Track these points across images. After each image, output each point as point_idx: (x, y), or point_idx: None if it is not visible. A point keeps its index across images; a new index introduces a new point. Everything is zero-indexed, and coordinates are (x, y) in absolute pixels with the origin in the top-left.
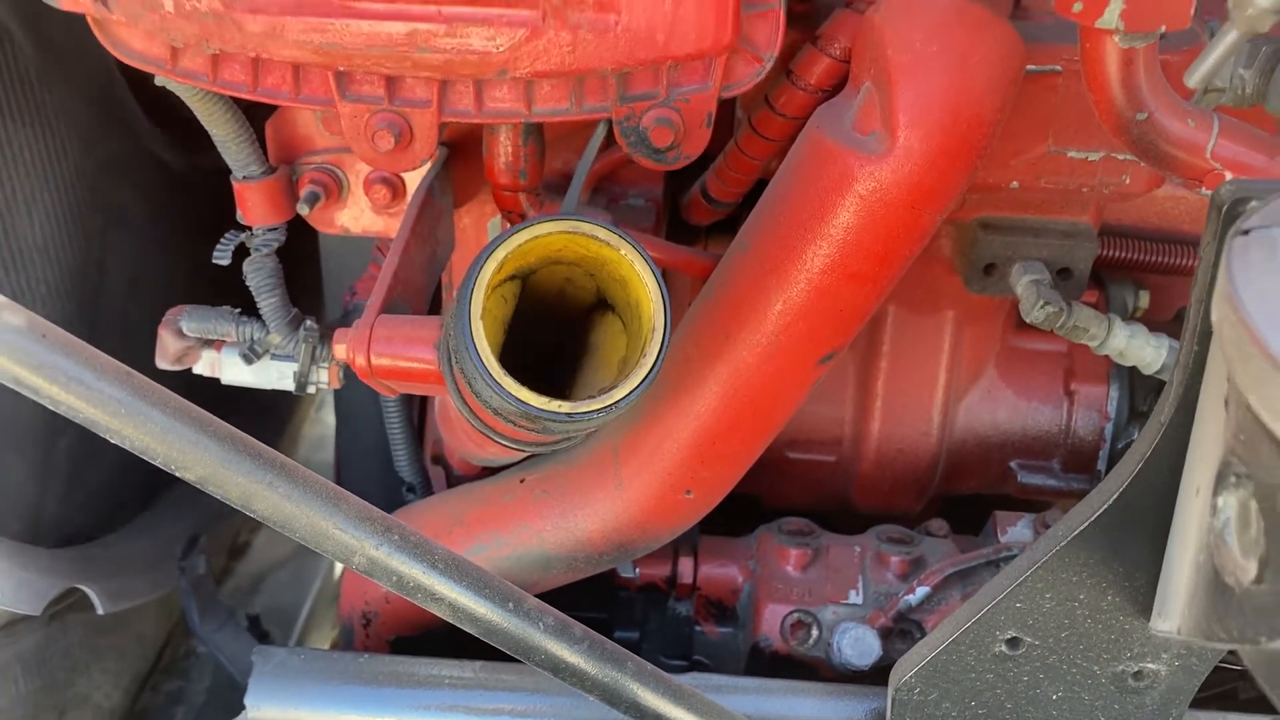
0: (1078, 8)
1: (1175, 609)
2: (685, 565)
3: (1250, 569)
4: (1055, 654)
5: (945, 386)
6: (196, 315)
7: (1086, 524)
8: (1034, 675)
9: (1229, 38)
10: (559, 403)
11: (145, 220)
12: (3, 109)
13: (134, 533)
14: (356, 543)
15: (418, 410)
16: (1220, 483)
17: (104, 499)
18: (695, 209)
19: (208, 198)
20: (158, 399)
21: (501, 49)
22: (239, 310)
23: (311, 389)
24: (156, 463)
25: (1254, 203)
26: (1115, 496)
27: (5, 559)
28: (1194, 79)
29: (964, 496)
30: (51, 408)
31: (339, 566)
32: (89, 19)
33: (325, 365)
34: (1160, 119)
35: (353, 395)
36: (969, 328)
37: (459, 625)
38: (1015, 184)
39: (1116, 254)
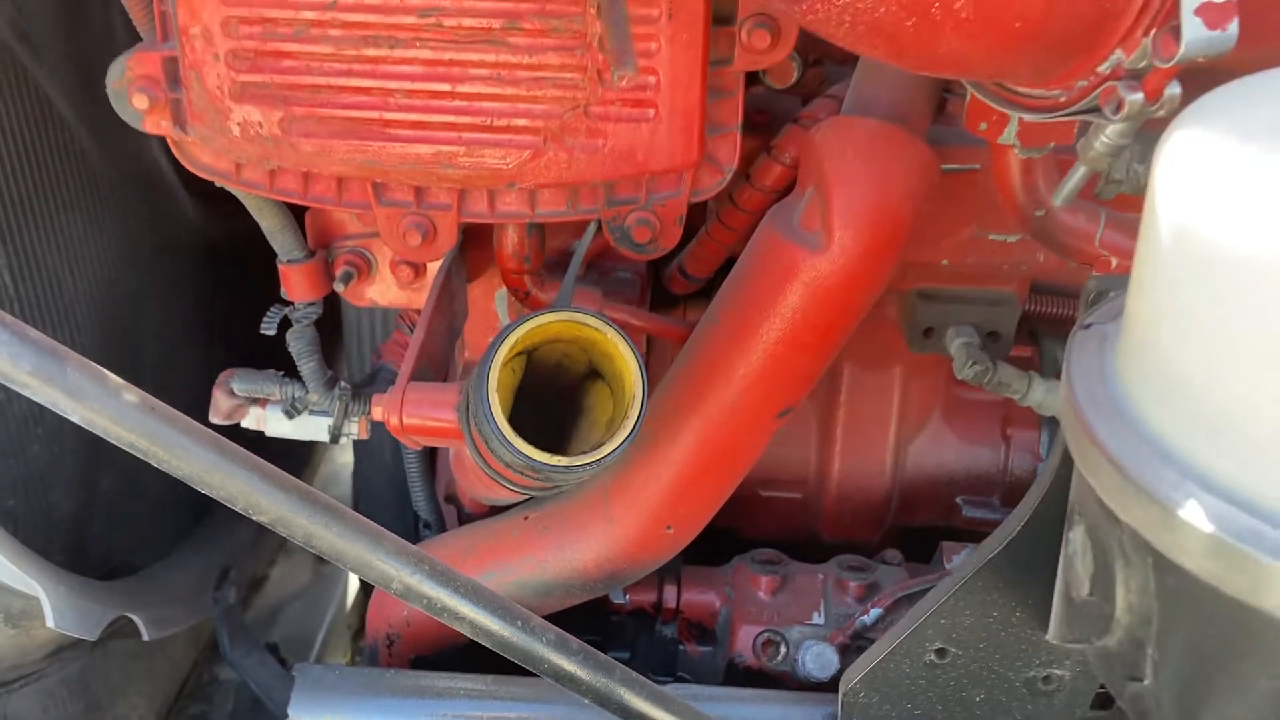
0: (983, 126)
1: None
2: (670, 592)
3: (1085, 586)
4: (976, 662)
5: (896, 432)
6: (245, 377)
7: (995, 553)
8: (959, 680)
9: (1079, 172)
10: (559, 457)
11: (180, 282)
12: (60, 182)
13: (170, 566)
14: (395, 572)
15: (431, 456)
16: (1069, 520)
17: (142, 534)
18: (675, 282)
19: (237, 262)
20: (241, 459)
21: (510, 166)
22: (282, 373)
23: (344, 440)
24: (236, 507)
25: (1113, 294)
26: (1018, 530)
27: (67, 589)
28: (1059, 199)
29: (916, 528)
30: (165, 469)
31: (349, 599)
32: (169, 140)
33: (356, 419)
34: (1056, 214)
35: (370, 444)
36: (915, 381)
37: (476, 639)
38: (946, 262)
39: (1045, 310)
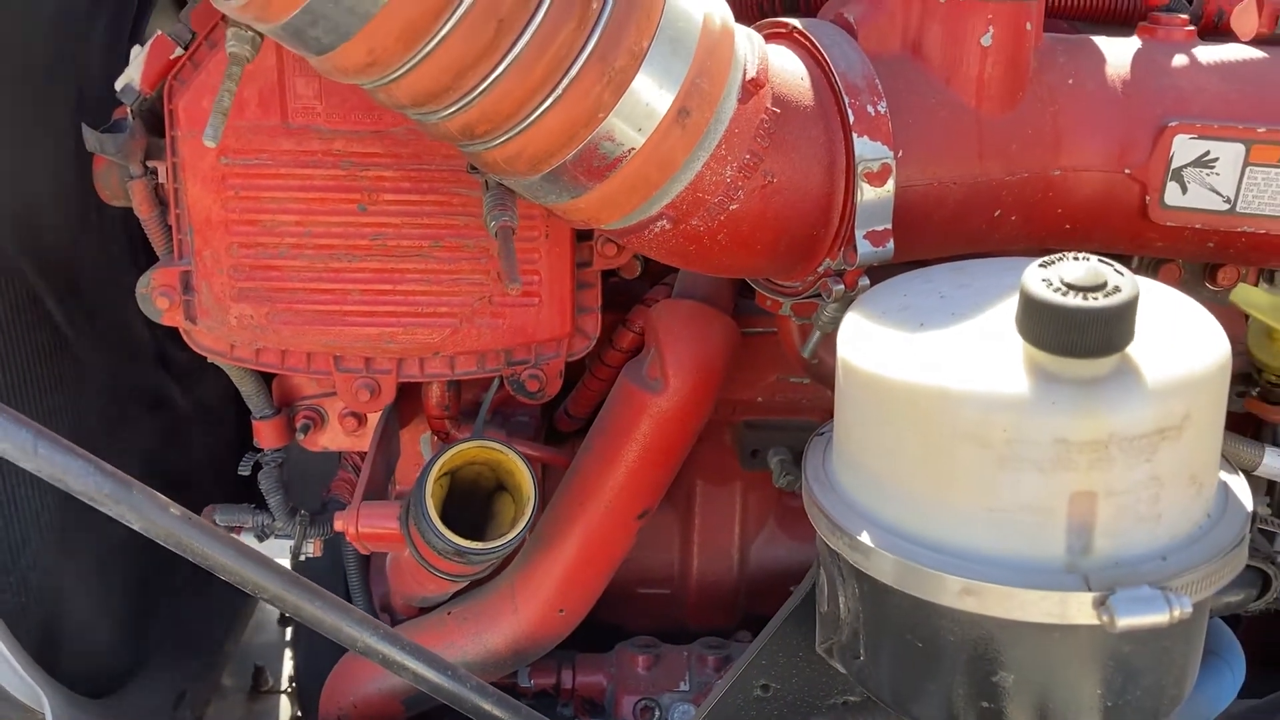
0: (769, 303)
1: None
2: (566, 676)
3: (825, 603)
4: (793, 694)
5: (740, 535)
6: (225, 510)
7: (796, 605)
8: (782, 711)
9: (815, 334)
10: (476, 543)
11: (150, 440)
12: (40, 353)
13: (135, 689)
14: (358, 635)
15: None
16: (815, 564)
17: (106, 660)
18: (562, 422)
19: (205, 426)
20: (253, 555)
21: (436, 340)
22: (253, 505)
23: (303, 557)
24: (246, 589)
25: None
26: (810, 586)
27: (66, 701)
28: (806, 353)
29: (764, 614)
30: (200, 564)
31: None
32: (180, 329)
33: (312, 540)
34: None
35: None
36: (752, 494)
37: (417, 685)
38: (761, 399)
39: None
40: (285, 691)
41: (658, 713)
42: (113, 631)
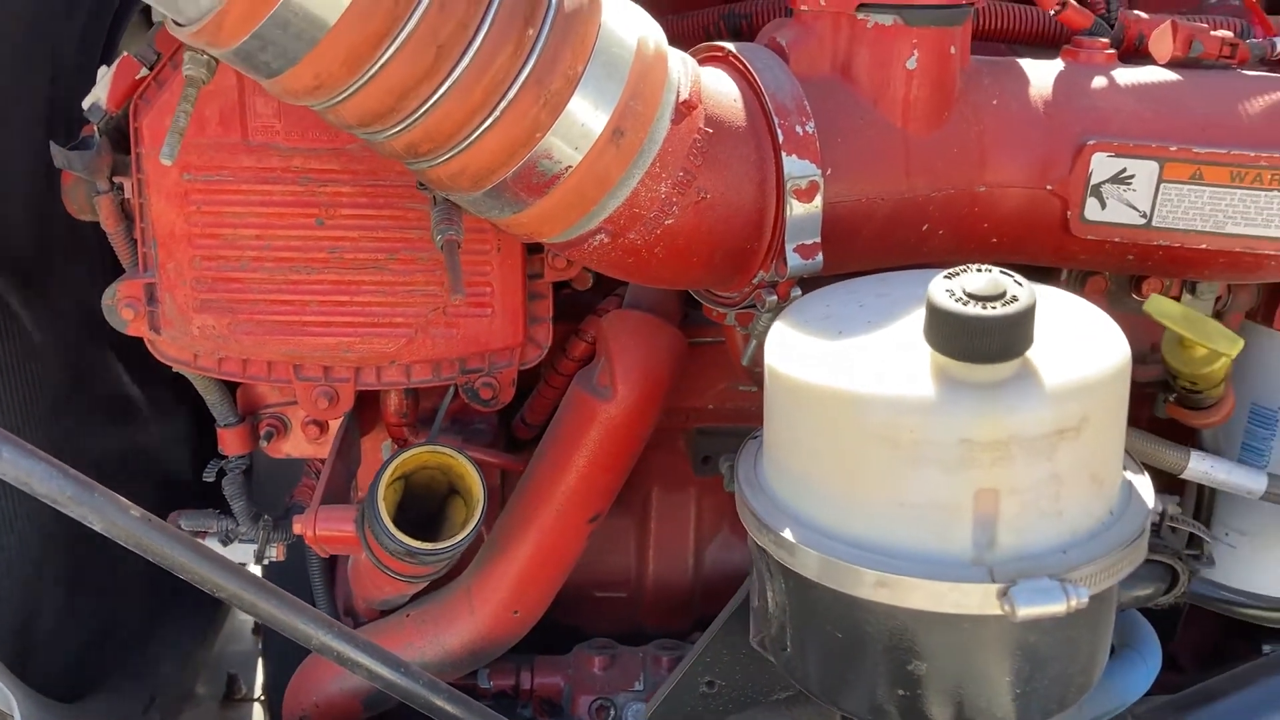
0: (714, 313)
1: None
2: (525, 677)
3: (757, 598)
4: (737, 689)
5: (694, 540)
6: (190, 515)
7: (738, 604)
8: (726, 705)
9: (753, 343)
10: (428, 544)
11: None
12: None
13: (105, 694)
14: (315, 633)
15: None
16: (751, 563)
17: (77, 664)
18: (519, 430)
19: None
20: (212, 556)
21: (392, 349)
22: (218, 510)
23: (266, 561)
24: (206, 589)
25: None
26: (749, 590)
27: (35, 705)
28: (745, 361)
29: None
30: (162, 565)
31: None
32: (145, 339)
33: (275, 545)
34: None
35: (279, 566)
36: (706, 499)
37: (372, 681)
38: (711, 406)
39: None
40: (258, 700)
41: (613, 712)
42: (83, 636)
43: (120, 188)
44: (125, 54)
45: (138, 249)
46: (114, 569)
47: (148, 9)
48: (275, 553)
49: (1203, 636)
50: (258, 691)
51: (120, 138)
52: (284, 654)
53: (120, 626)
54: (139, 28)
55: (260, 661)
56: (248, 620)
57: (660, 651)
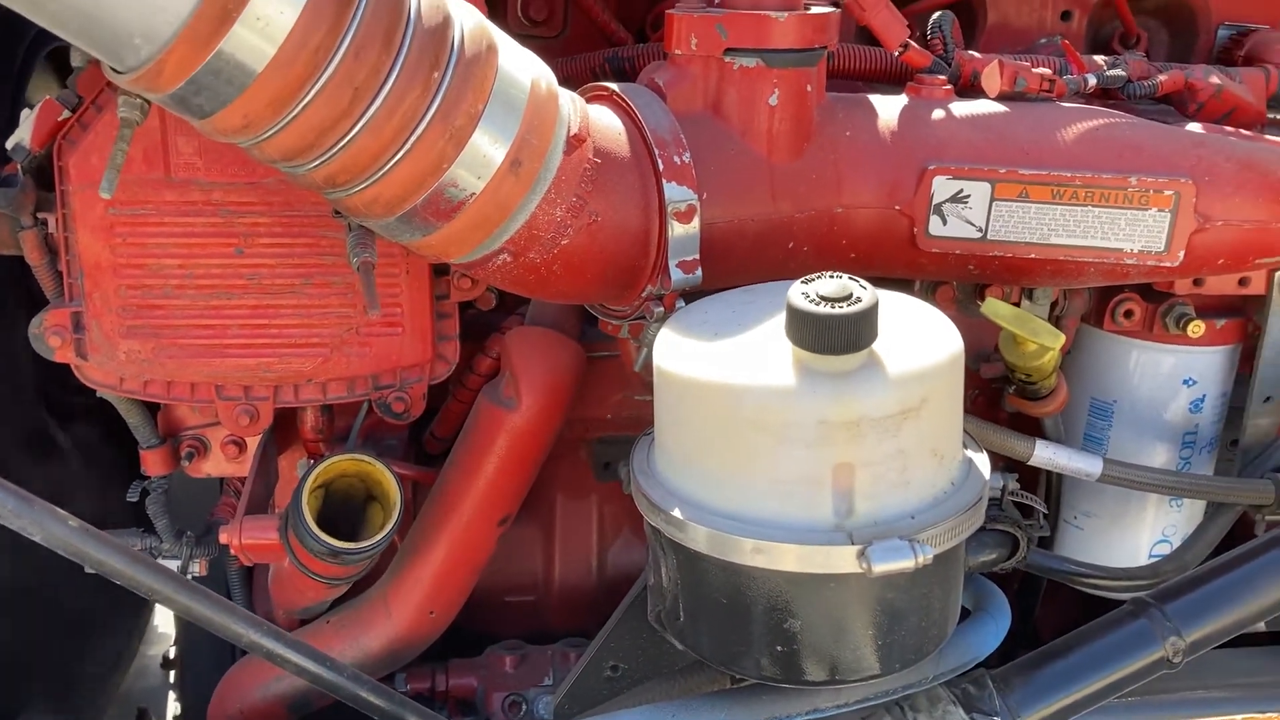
0: (610, 326)
1: None
2: (440, 679)
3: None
4: (640, 670)
5: (597, 543)
6: (115, 534)
7: (638, 593)
8: (629, 686)
9: (644, 351)
10: (349, 544)
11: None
12: None
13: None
14: (245, 631)
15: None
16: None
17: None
18: (430, 444)
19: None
20: (146, 562)
21: (309, 368)
22: (142, 529)
23: (189, 576)
24: (140, 592)
25: None
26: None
27: None
28: (637, 368)
29: None
30: (99, 571)
31: None
32: (71, 364)
33: (197, 560)
34: None
35: (200, 581)
36: (607, 505)
37: (299, 676)
38: (610, 416)
39: None
40: None
41: (524, 706)
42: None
43: (44, 223)
44: (48, 98)
45: (63, 280)
46: (27, 599)
47: (54, 58)
48: (198, 568)
49: (1062, 614)
50: None
51: (43, 176)
52: (198, 688)
53: (30, 660)
54: (44, 75)
55: (171, 695)
56: (157, 655)
57: (568, 649)
